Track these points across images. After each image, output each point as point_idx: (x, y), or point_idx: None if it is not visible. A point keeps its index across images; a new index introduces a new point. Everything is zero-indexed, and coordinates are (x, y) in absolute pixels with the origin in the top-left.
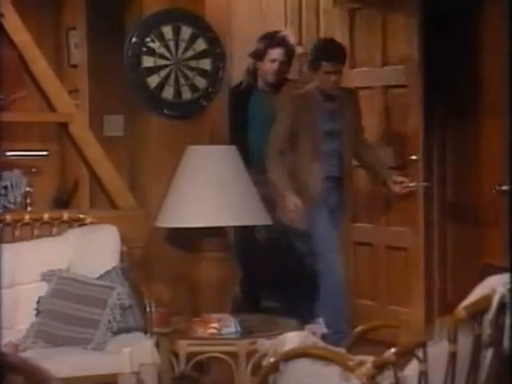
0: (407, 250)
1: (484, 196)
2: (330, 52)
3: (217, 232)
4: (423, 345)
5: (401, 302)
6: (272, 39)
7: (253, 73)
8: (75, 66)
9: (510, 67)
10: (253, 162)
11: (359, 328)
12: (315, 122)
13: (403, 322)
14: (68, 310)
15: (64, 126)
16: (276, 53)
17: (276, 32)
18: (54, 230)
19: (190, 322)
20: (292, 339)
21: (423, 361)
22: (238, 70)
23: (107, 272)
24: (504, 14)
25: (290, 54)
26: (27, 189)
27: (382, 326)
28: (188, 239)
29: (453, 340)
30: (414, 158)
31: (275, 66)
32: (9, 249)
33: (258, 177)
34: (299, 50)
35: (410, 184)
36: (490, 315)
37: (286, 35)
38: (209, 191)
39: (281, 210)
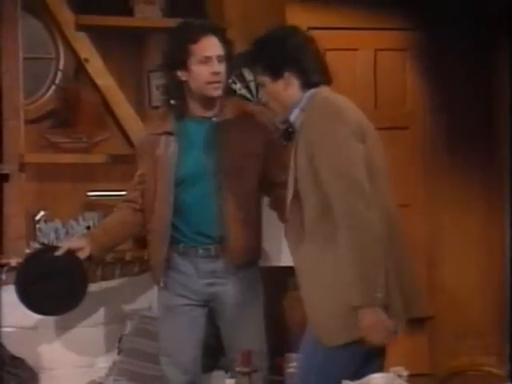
0: None
1: None
2: None
3: None
4: None
5: None
6: (193, 28)
7: (178, 92)
8: (157, 108)
9: None
10: None
11: (445, 371)
12: None
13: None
14: (149, 348)
15: None
16: (210, 44)
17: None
18: (136, 269)
19: (273, 360)
20: (377, 381)
21: None
22: None
23: None
24: None
25: (228, 47)
26: None
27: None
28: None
29: None
30: None
31: (214, 66)
32: (92, 288)
33: None
34: None
35: None
36: None
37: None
38: None
39: None
